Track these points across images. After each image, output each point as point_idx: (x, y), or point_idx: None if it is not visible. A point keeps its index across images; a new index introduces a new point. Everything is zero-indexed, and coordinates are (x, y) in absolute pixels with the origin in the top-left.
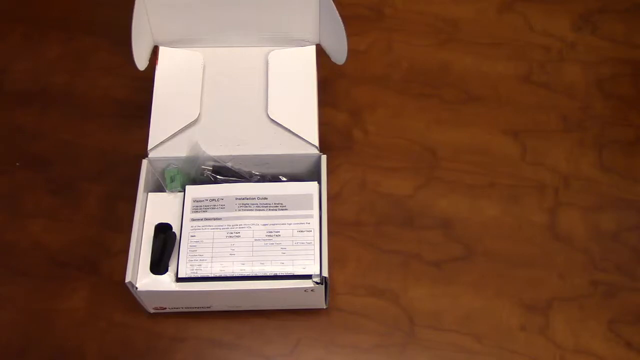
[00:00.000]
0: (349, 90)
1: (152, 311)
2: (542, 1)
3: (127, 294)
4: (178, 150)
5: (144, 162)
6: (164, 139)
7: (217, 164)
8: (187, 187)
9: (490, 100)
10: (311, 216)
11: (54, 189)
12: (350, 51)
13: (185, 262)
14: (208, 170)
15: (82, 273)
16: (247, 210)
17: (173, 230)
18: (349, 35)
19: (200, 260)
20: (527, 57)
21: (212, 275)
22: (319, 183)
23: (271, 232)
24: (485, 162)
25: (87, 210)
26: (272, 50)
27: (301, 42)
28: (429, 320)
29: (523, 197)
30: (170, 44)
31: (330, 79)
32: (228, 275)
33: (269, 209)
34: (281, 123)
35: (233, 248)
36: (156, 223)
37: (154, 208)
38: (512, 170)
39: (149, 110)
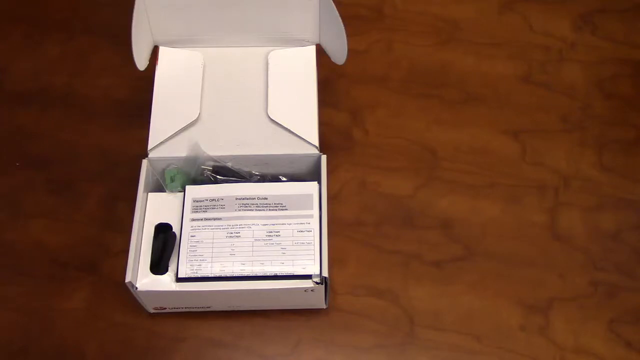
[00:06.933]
0: (349, 90)
1: (152, 311)
2: (542, 1)
3: (127, 294)
4: (178, 150)
5: (144, 162)
6: (164, 139)
7: (217, 164)
8: (187, 187)
9: (490, 100)
10: (311, 216)
11: (54, 189)
12: (350, 51)
13: (185, 262)
14: (208, 170)
15: (82, 273)
16: (247, 210)
17: (173, 230)
18: (349, 35)
19: (200, 260)
20: (527, 57)
21: (212, 275)
22: (319, 183)
23: (271, 232)
24: (485, 162)
25: (87, 210)
26: (272, 50)
27: (301, 42)
28: (429, 320)
29: (523, 197)
30: (170, 44)
31: (330, 79)
32: (228, 275)
33: (269, 209)
34: (281, 123)
35: (233, 248)
36: (156, 223)
37: (154, 208)
38: (512, 170)
39: (149, 110)
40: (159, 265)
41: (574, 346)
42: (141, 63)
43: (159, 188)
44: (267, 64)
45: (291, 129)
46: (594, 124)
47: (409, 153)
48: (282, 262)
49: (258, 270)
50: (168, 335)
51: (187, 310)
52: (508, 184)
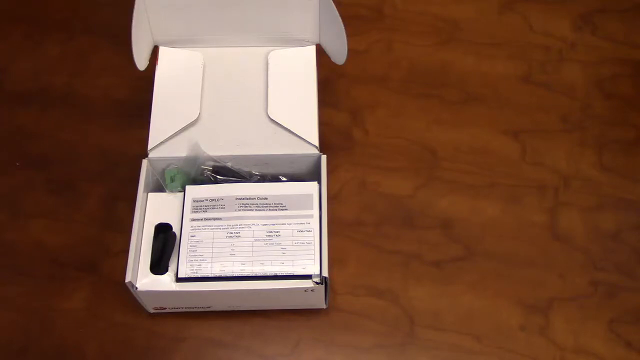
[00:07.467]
0: (349, 90)
1: (152, 311)
2: (542, 1)
3: (127, 294)
4: (178, 150)
5: (144, 162)
6: (164, 139)
7: (217, 164)
8: (187, 187)
9: (490, 100)
10: (311, 216)
11: (54, 189)
12: (350, 51)
13: (185, 262)
14: (208, 170)
15: (82, 273)
16: (247, 210)
17: (173, 230)
18: (349, 35)
19: (200, 260)
20: (527, 57)
21: (212, 275)
22: (319, 183)
23: (271, 232)
24: (485, 162)
25: (87, 210)
26: (272, 50)
27: (301, 42)
28: (429, 320)
29: (523, 197)
30: (170, 44)
31: (330, 79)
32: (228, 275)
33: (269, 209)
34: (281, 123)
35: (233, 248)
36: (156, 223)
37: (154, 208)
38: (512, 170)
39: (149, 110)
40: (159, 265)
41: (574, 346)
42: (141, 63)
43: (159, 188)
44: (267, 64)
45: (291, 129)
46: (594, 124)
47: (409, 153)
48: (282, 262)
49: (258, 270)
50: (168, 335)
51: (187, 310)
52: (508, 184)
